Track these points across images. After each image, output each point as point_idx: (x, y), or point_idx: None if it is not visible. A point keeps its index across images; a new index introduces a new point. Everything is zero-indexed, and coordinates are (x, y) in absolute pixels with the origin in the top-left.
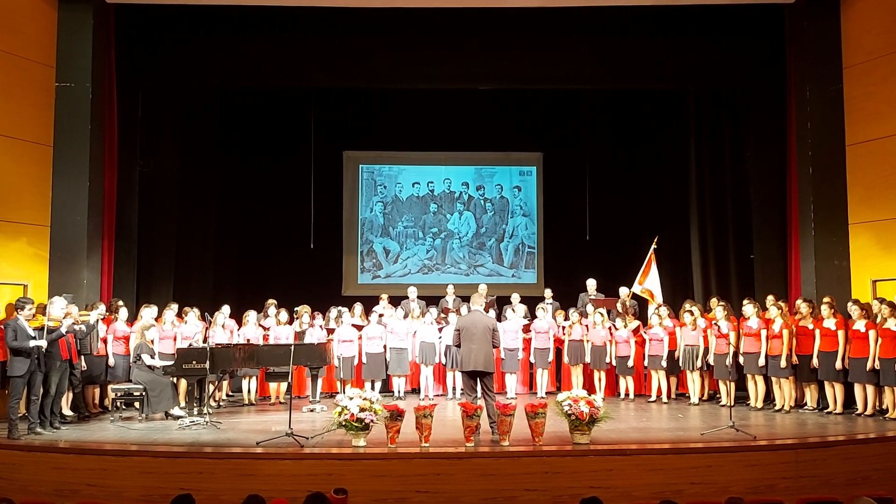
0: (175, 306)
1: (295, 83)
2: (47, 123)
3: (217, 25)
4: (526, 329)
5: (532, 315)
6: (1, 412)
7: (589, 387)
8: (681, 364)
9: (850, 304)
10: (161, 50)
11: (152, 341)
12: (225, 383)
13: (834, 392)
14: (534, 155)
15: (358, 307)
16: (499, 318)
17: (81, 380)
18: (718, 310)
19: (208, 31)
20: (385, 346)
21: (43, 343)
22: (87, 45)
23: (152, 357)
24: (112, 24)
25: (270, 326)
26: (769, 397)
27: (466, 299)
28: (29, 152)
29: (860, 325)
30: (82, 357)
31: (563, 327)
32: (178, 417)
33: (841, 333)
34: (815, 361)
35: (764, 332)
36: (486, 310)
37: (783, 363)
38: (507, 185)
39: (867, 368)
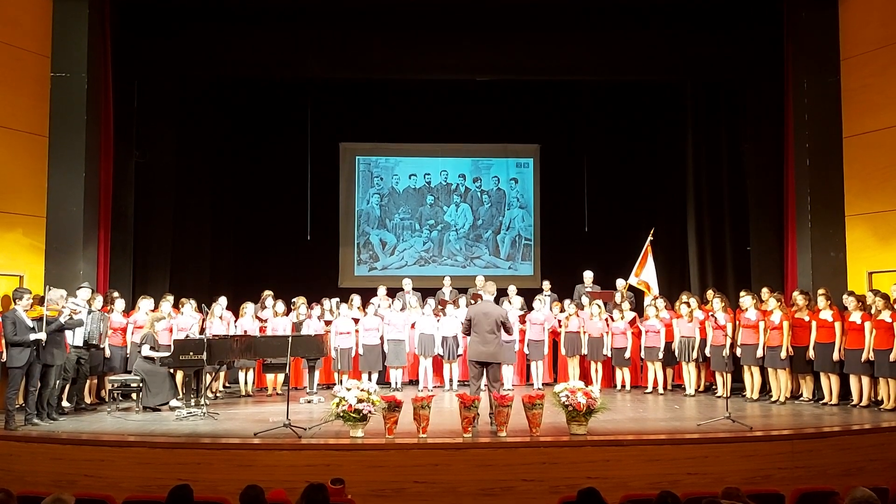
0: (171, 298)
1: (291, 74)
2: (43, 114)
3: (213, 16)
4: (522, 320)
5: (529, 307)
6: None
7: (585, 378)
8: (676, 355)
9: (845, 295)
10: (157, 40)
11: (158, 332)
12: (222, 374)
13: (830, 383)
14: (531, 147)
15: (356, 299)
16: None
17: (88, 371)
18: (716, 301)
19: (204, 21)
20: (382, 338)
21: (42, 336)
22: (82, 35)
23: (152, 349)
24: (108, 13)
25: (267, 318)
26: (765, 388)
27: (463, 291)
28: (24, 143)
29: (856, 316)
30: (74, 342)
31: (560, 320)
32: (176, 408)
33: (837, 325)
34: (811, 353)
35: (762, 324)
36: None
37: (783, 354)
38: (503, 176)
39: (862, 360)
